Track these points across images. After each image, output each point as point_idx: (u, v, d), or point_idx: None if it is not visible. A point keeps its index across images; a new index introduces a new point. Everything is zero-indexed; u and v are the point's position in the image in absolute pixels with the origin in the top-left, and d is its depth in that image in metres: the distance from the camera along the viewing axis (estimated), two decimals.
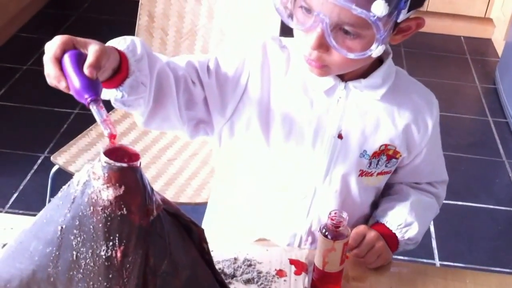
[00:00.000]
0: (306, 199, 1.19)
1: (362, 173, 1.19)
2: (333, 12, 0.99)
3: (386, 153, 1.19)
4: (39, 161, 2.56)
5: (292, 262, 1.15)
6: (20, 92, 3.00)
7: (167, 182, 1.74)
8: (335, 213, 1.06)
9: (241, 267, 1.11)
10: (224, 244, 1.15)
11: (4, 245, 1.04)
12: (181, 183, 1.74)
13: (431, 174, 1.29)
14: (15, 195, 2.38)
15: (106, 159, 0.74)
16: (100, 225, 0.72)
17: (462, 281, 1.17)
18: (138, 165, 0.75)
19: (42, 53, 0.89)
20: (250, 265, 1.12)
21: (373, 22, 0.96)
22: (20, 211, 2.28)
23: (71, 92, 0.87)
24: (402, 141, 1.19)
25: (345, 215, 1.06)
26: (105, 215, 0.72)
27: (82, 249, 0.73)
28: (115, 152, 0.75)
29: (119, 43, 0.98)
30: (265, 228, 1.24)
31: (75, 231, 0.74)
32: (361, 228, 1.17)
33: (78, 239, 0.74)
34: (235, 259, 1.13)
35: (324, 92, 1.14)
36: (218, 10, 1.89)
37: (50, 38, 0.90)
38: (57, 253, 0.75)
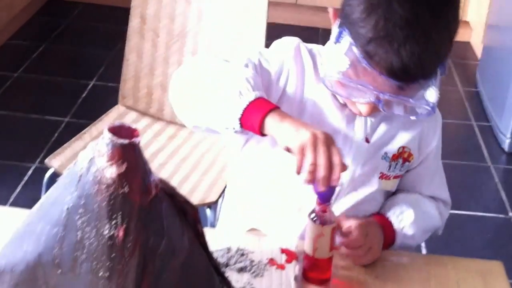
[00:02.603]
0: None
1: (382, 176, 1.23)
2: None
3: (402, 156, 1.23)
4: (30, 172, 2.55)
5: (283, 251, 1.19)
6: (11, 100, 3.01)
7: None
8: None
9: (234, 256, 1.15)
10: (217, 235, 1.20)
11: None
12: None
13: (431, 184, 1.31)
14: (6, 207, 2.37)
15: (110, 135, 0.77)
16: (104, 203, 0.76)
17: (443, 267, 1.22)
18: (138, 141, 0.79)
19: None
20: (242, 255, 1.16)
21: (430, 107, 1.07)
22: None
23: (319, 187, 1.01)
24: (416, 144, 1.24)
25: (332, 200, 1.10)
26: (108, 193, 0.76)
27: (86, 229, 0.77)
28: (117, 130, 0.79)
29: (247, 93, 1.03)
30: (283, 229, 1.26)
31: (80, 210, 0.77)
32: (359, 227, 1.15)
33: (83, 218, 0.77)
34: (228, 249, 1.17)
35: None
36: (207, 12, 1.93)
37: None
38: (63, 233, 0.78)
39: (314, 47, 1.24)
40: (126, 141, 0.77)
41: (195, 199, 1.73)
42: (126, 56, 1.98)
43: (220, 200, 1.74)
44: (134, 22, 1.96)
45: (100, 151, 0.77)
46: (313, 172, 0.98)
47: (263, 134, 1.03)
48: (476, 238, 2.48)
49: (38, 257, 0.82)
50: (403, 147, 1.23)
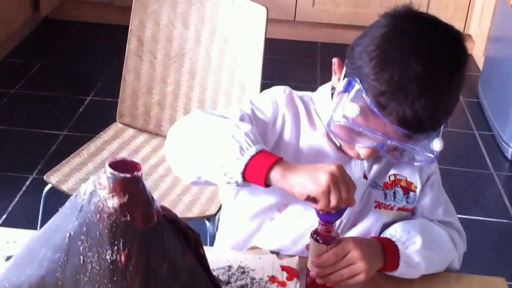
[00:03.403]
0: None
1: (379, 205, 1.24)
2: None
3: (399, 184, 1.24)
4: (28, 182, 2.58)
5: (283, 268, 1.20)
6: (8, 115, 3.03)
7: (159, 198, 1.78)
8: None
9: (235, 274, 1.16)
10: (218, 253, 1.21)
11: (8, 257, 1.08)
12: (173, 198, 1.79)
13: (439, 209, 1.28)
14: (4, 216, 2.40)
15: (111, 170, 0.79)
16: (106, 230, 0.78)
17: (446, 282, 1.22)
18: (140, 175, 0.80)
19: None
20: (243, 272, 1.17)
21: (434, 155, 1.11)
22: None
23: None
24: (415, 171, 1.25)
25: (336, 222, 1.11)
26: (110, 221, 0.78)
27: (88, 254, 0.79)
28: (119, 164, 0.81)
29: (248, 147, 1.05)
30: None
31: (82, 237, 0.79)
32: (349, 245, 1.12)
33: (85, 244, 0.79)
34: (229, 266, 1.18)
35: None
36: (205, 33, 1.95)
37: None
38: (65, 258, 0.80)
39: (305, 94, 1.27)
40: (127, 175, 0.79)
41: (194, 212, 1.75)
42: (123, 76, 2.00)
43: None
44: (132, 44, 1.97)
45: (102, 184, 0.79)
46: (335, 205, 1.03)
47: (267, 186, 1.05)
48: (480, 241, 2.49)
49: (41, 280, 0.83)
50: (395, 174, 1.24)
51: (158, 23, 1.96)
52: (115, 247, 0.78)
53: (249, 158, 1.03)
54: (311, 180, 1.01)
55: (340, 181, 1.02)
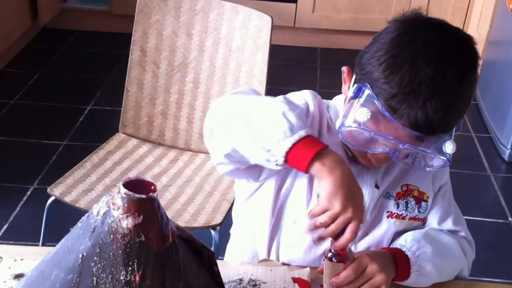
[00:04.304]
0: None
1: (391, 215, 1.23)
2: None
3: (411, 194, 1.23)
4: (29, 192, 2.56)
5: (295, 280, 1.18)
6: (8, 126, 3.01)
7: (164, 206, 1.77)
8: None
9: None
10: (229, 266, 1.19)
11: (17, 275, 1.07)
12: (177, 208, 1.78)
13: (449, 218, 1.28)
14: (5, 227, 2.38)
15: (126, 190, 0.77)
16: (120, 251, 0.76)
17: None
18: (155, 195, 0.79)
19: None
20: (255, 285, 1.15)
21: (447, 158, 1.10)
22: (11, 242, 2.28)
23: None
24: (429, 181, 1.24)
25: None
26: (124, 242, 0.76)
27: (102, 275, 0.77)
28: (133, 184, 0.79)
29: (298, 129, 1.03)
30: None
31: (95, 258, 0.77)
32: (364, 259, 1.12)
33: (99, 265, 0.77)
34: (241, 279, 1.17)
35: None
36: (209, 43, 1.94)
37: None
38: (78, 279, 0.78)
39: (325, 101, 1.26)
40: (143, 196, 0.77)
41: (200, 222, 1.74)
42: (126, 87, 1.98)
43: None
44: (134, 55, 1.96)
45: (116, 204, 0.77)
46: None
47: (307, 172, 1.03)
48: (478, 241, 2.49)
49: None
50: (407, 184, 1.24)
51: (161, 33, 1.95)
52: (130, 268, 0.76)
53: (298, 138, 1.02)
54: (327, 193, 1.01)
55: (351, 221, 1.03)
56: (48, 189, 1.78)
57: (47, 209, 1.83)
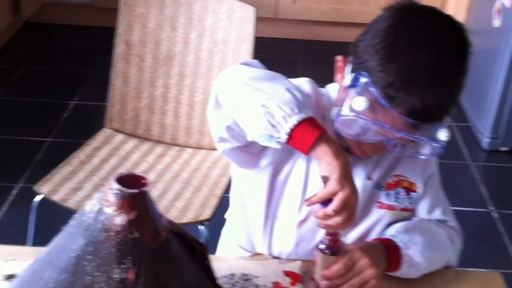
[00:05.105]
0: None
1: (382, 206, 1.23)
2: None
3: (401, 185, 1.24)
4: (15, 191, 2.53)
5: (287, 273, 1.19)
6: None
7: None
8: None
9: (239, 282, 1.14)
10: (221, 261, 1.19)
11: (8, 276, 1.06)
12: (165, 204, 1.77)
13: (438, 208, 1.29)
14: None
15: (118, 186, 0.77)
16: (114, 249, 0.76)
17: (445, 281, 1.23)
18: (148, 190, 0.78)
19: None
20: (247, 280, 1.15)
21: (441, 145, 1.09)
22: None
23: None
24: (419, 171, 1.25)
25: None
26: (118, 239, 0.75)
27: (96, 274, 0.76)
28: (125, 179, 0.78)
29: (304, 108, 1.03)
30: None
31: (89, 257, 0.77)
32: (356, 254, 1.12)
33: (93, 264, 0.77)
34: (232, 275, 1.16)
35: None
36: (194, 36, 1.93)
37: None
38: (72, 279, 0.77)
39: (324, 91, 1.25)
40: (135, 191, 0.76)
41: (188, 217, 1.73)
42: (112, 81, 1.97)
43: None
44: (119, 49, 1.95)
45: (109, 201, 0.77)
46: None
47: (308, 153, 1.02)
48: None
49: None
50: (397, 175, 1.24)
51: (146, 26, 1.94)
52: (124, 266, 0.76)
53: (304, 117, 1.01)
54: (339, 174, 1.00)
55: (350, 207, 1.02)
56: (35, 187, 1.76)
57: (35, 208, 1.80)
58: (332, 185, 1.01)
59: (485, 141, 3.08)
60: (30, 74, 3.40)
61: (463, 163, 2.99)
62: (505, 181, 2.91)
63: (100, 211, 0.77)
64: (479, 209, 2.68)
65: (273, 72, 1.10)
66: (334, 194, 1.01)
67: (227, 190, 1.79)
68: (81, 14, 3.90)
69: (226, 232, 1.41)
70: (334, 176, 1.00)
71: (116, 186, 0.76)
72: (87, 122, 2.78)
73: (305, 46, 3.82)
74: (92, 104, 3.14)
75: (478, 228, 2.57)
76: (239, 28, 1.88)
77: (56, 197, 1.73)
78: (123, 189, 0.76)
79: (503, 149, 3.08)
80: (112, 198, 0.76)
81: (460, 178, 2.88)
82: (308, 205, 1.05)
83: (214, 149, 1.99)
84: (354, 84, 1.09)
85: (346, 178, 1.01)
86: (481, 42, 3.23)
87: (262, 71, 1.10)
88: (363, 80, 1.07)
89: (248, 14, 1.86)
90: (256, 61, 1.14)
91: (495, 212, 2.67)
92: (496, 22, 3.05)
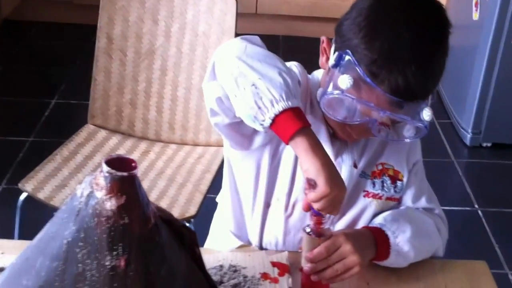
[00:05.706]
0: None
1: (368, 194, 1.24)
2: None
3: (386, 173, 1.24)
4: None
5: (274, 264, 1.19)
6: None
7: None
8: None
9: (227, 274, 1.15)
10: (209, 253, 1.19)
11: (0, 269, 1.05)
12: (153, 199, 1.77)
13: (423, 195, 1.30)
14: None
15: (108, 168, 0.76)
16: (104, 235, 0.75)
17: (431, 270, 1.23)
18: (136, 172, 0.78)
19: None
20: (235, 271, 1.16)
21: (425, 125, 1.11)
22: None
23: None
24: (404, 159, 1.25)
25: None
26: (108, 225, 0.75)
27: (87, 261, 0.76)
28: (114, 162, 0.78)
29: (292, 97, 1.02)
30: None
31: (80, 243, 0.76)
32: (339, 239, 1.11)
33: (84, 251, 0.76)
34: (221, 266, 1.17)
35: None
36: (175, 29, 1.93)
37: None
38: (64, 267, 0.77)
39: (310, 76, 1.25)
40: (125, 174, 0.76)
41: (173, 214, 1.72)
42: (94, 76, 1.96)
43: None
44: (101, 43, 1.94)
45: (99, 184, 0.76)
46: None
47: (288, 142, 1.02)
48: None
49: None
50: (382, 163, 1.24)
51: (127, 19, 1.94)
52: (115, 253, 0.76)
53: (290, 106, 1.00)
54: (325, 177, 1.00)
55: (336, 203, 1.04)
56: (19, 184, 1.75)
57: (19, 208, 1.79)
58: (321, 189, 1.01)
59: (468, 137, 3.07)
60: (9, 73, 3.38)
61: (447, 160, 2.98)
62: (488, 177, 2.91)
63: (90, 195, 0.77)
64: (464, 208, 2.68)
65: (271, 53, 1.10)
66: (325, 197, 1.02)
67: (210, 190, 1.80)
68: (61, 11, 3.88)
69: (217, 216, 1.41)
70: (321, 180, 1.01)
71: (106, 168, 0.76)
72: (67, 121, 2.76)
73: (285, 43, 3.82)
74: (72, 102, 3.13)
75: (464, 226, 2.57)
76: (220, 21, 1.88)
77: (41, 195, 1.72)
78: (113, 171, 0.76)
79: (486, 144, 3.07)
80: (102, 181, 0.76)
81: (444, 175, 2.87)
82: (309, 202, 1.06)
83: (198, 144, 1.99)
84: (338, 63, 1.09)
85: (332, 179, 1.01)
86: (460, 36, 3.23)
87: (260, 49, 1.09)
88: (347, 58, 1.08)
89: (229, 6, 1.87)
90: (257, 38, 1.14)
91: (480, 210, 2.67)
92: (475, 15, 3.06)
